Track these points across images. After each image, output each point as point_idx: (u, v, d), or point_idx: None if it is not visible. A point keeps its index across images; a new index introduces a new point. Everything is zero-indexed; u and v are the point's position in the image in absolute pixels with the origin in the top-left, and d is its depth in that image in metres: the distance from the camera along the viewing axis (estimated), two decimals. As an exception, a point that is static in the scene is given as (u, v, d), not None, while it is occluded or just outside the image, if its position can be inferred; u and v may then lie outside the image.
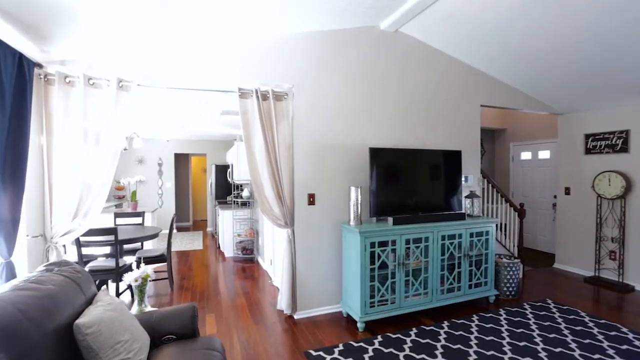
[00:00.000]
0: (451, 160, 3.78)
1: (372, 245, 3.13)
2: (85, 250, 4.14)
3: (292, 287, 3.42)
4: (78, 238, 3.53)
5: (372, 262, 3.14)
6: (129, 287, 4.08)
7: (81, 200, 2.79)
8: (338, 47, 3.53)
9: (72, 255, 3.91)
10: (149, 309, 2.35)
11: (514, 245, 4.88)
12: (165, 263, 4.30)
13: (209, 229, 9.05)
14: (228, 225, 6.13)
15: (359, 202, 3.28)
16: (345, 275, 3.41)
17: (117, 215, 4.91)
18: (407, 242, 3.27)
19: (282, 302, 3.48)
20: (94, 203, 2.84)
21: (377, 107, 3.69)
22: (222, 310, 3.66)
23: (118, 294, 3.73)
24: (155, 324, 1.97)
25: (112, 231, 3.56)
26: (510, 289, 3.77)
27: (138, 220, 4.93)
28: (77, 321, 1.45)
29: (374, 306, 3.16)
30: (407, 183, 3.57)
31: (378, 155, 3.43)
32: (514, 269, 3.76)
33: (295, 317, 3.43)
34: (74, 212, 2.77)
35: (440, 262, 3.41)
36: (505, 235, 4.98)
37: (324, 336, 3.06)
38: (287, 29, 3.32)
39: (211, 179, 8.46)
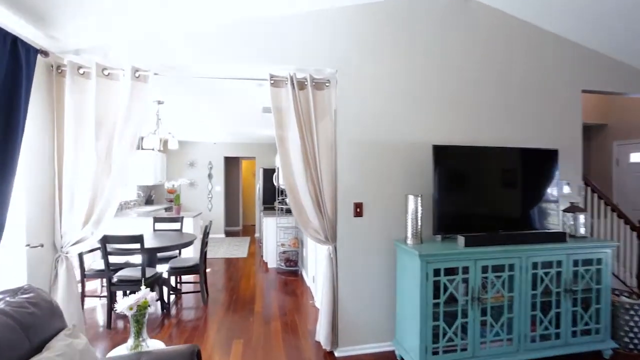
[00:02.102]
0: (544, 162, 2.87)
1: (437, 272, 2.38)
2: (119, 259, 3.92)
3: (332, 317, 2.78)
4: (105, 245, 3.28)
5: (437, 295, 2.38)
6: (160, 299, 3.76)
7: (92, 205, 2.45)
8: (393, 22, 2.85)
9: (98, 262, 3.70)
10: (148, 344, 1.89)
11: (631, 276, 3.72)
12: (199, 274, 3.93)
13: (256, 234, 8.78)
14: (271, 234, 5.69)
15: (419, 214, 2.55)
16: (400, 308, 2.69)
17: (156, 219, 4.70)
18: (484, 269, 2.46)
19: (321, 334, 2.86)
20: (107, 208, 2.49)
21: (442, 95, 2.92)
22: (252, 336, 3.15)
23: (145, 308, 3.41)
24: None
25: (138, 239, 3.24)
26: (636, 340, 2.73)
27: (176, 225, 4.67)
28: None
29: (437, 353, 2.39)
30: (484, 191, 2.75)
31: (445, 155, 2.67)
32: (639, 312, 2.72)
33: (336, 354, 2.78)
34: (84, 218, 2.45)
35: (530, 299, 2.54)
36: (617, 261, 3.83)
37: (370, 388, 2.37)
38: (329, 1, 2.73)
39: (259, 183, 8.17)
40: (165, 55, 2.59)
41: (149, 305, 1.86)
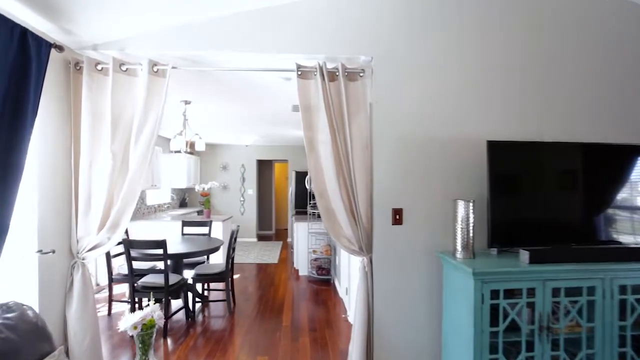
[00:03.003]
0: (632, 160, 2.35)
1: (495, 294, 1.96)
2: (145, 264, 3.82)
3: (367, 337, 2.43)
4: (128, 250, 3.16)
5: (495, 322, 1.96)
6: (185, 307, 3.60)
7: (108, 208, 2.30)
8: None
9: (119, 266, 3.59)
10: (155, 368, 1.66)
11: None
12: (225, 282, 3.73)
13: (289, 239, 8.57)
14: (303, 239, 5.42)
15: (471, 223, 2.14)
16: (447, 333, 2.29)
17: (184, 223, 4.60)
18: (555, 292, 2.00)
19: (353, 355, 2.51)
20: (124, 212, 2.32)
21: (500, 81, 2.49)
22: (278, 354, 2.87)
23: (168, 317, 3.25)
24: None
25: (160, 244, 3.09)
26: None
27: (205, 230, 4.53)
28: None
29: (496, 392, 1.97)
30: (550, 196, 2.29)
31: (502, 153, 2.25)
32: None
33: (372, 382, 2.42)
34: (99, 223, 2.29)
35: (617, 331, 2.04)
36: None
37: None
38: (364, -20, 2.41)
39: (291, 186, 7.96)
40: (185, 47, 2.40)
41: (155, 324, 1.63)
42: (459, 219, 2.17)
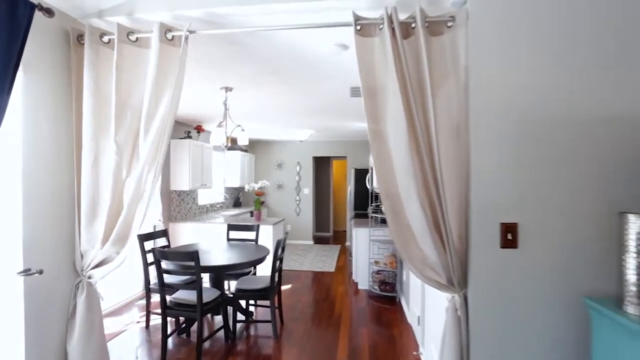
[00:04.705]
0: None
1: None
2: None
3: (459, 413, 1.63)
4: (159, 261, 2.71)
5: None
6: (224, 325, 3.09)
7: (112, 216, 1.81)
8: None
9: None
10: None
11: None
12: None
13: (347, 243, 7.87)
14: (363, 248, 4.68)
15: (653, 254, 1.24)
16: None
17: (230, 227, 4.14)
18: None
19: None
20: (132, 220, 1.82)
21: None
22: (331, 409, 2.18)
23: (202, 340, 2.75)
24: None
25: (191, 256, 2.59)
26: None
27: (252, 235, 4.03)
28: None
29: None
30: None
31: None
32: None
33: None
34: (102, 234, 1.82)
35: None
36: None
37: None
38: None
39: (350, 185, 7.24)
40: (206, 1, 1.81)
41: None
42: (631, 244, 1.27)
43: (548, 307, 1.52)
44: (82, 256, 1.87)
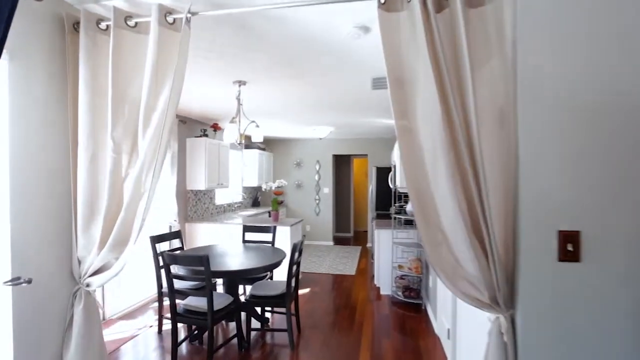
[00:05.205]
0: None
1: None
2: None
3: None
4: (168, 265, 2.56)
5: None
6: (238, 333, 2.91)
7: (108, 220, 1.65)
8: None
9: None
10: None
11: None
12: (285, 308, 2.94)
13: (368, 244, 7.60)
14: (386, 251, 4.41)
15: None
16: None
17: (245, 228, 3.97)
18: None
19: None
20: (131, 224, 1.65)
21: None
22: None
23: (212, 351, 2.58)
24: None
25: (201, 260, 2.42)
26: None
27: (268, 237, 3.84)
28: None
29: None
30: None
31: None
32: None
33: None
34: (98, 239, 1.66)
35: None
36: None
37: None
38: None
39: (371, 184, 6.96)
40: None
41: None
42: None
43: (619, 338, 1.23)
44: (79, 262, 1.73)
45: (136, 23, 1.67)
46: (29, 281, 1.46)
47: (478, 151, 1.32)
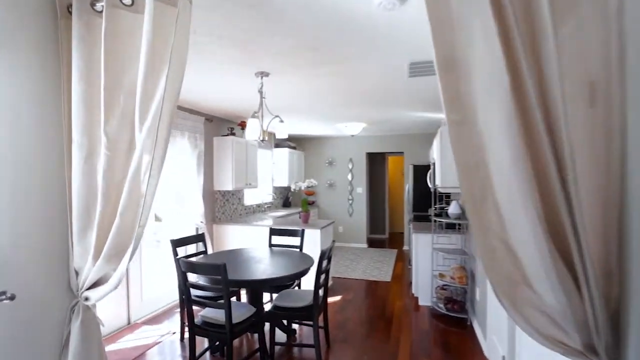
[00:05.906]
0: None
1: None
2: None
3: None
4: (184, 273, 2.37)
5: None
6: (260, 347, 2.67)
7: (103, 227, 1.44)
8: None
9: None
10: None
11: None
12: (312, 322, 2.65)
13: (405, 247, 7.15)
14: (425, 257, 4.00)
15: None
16: None
17: (272, 231, 3.74)
18: None
19: None
20: (130, 233, 1.44)
21: None
22: None
23: (233, 369, 2.35)
24: None
25: (217, 269, 2.19)
26: None
27: (295, 241, 3.58)
28: None
29: None
30: None
31: None
32: None
33: None
34: (93, 248, 1.46)
35: None
36: None
37: None
38: None
39: (408, 184, 6.51)
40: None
41: None
42: None
43: None
44: (76, 273, 1.54)
45: (133, 1, 1.45)
46: (12, 297, 1.27)
47: (565, 142, 0.94)
